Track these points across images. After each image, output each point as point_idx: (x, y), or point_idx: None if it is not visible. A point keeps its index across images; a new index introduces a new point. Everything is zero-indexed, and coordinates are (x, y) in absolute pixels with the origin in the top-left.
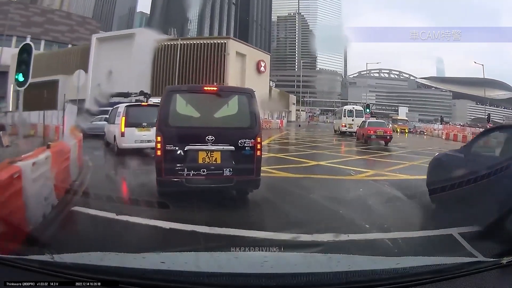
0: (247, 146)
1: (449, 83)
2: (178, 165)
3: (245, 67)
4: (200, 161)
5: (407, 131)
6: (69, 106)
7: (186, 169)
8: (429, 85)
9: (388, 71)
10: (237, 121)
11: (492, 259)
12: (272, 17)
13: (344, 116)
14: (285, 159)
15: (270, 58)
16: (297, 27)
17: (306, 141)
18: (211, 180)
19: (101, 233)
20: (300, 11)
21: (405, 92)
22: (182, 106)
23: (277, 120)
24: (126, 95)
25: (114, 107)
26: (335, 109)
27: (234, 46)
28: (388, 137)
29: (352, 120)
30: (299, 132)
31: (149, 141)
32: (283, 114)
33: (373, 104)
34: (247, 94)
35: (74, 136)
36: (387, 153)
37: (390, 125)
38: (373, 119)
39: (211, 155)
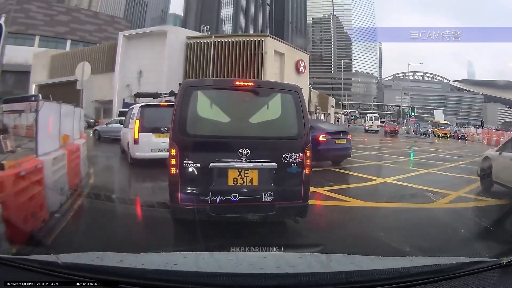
0: (293, 162)
1: (481, 86)
2: (199, 188)
3: (284, 67)
4: (231, 182)
5: (448, 135)
6: (47, 105)
7: (211, 193)
8: (461, 88)
9: (422, 74)
10: (280, 129)
11: (492, 259)
12: (307, 19)
13: (368, 120)
14: (341, 173)
15: (309, 58)
16: (332, 29)
17: (356, 148)
18: (245, 208)
19: None
20: (334, 13)
21: (439, 95)
22: (206, 108)
23: None
24: (155, 95)
25: (130, 108)
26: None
27: (272, 44)
28: (396, 132)
29: (372, 123)
30: None
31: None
32: (322, 117)
33: (408, 107)
34: (293, 92)
35: (63, 145)
36: (451, 165)
37: (431, 129)
38: (391, 122)
39: (246, 175)
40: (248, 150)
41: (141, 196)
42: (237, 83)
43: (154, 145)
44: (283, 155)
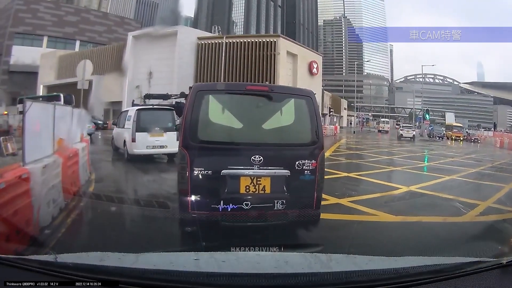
0: (306, 169)
1: (490, 88)
2: (210, 195)
3: (297, 68)
4: (243, 190)
5: (462, 138)
6: (38, 106)
7: (222, 201)
8: (472, 90)
9: (433, 76)
10: (294, 135)
11: (492, 259)
12: (318, 21)
13: (381, 123)
14: (362, 181)
15: (322, 60)
16: (343, 30)
17: (372, 152)
18: (257, 217)
19: None
20: (345, 14)
21: (450, 97)
22: (217, 113)
23: (331, 126)
24: (165, 97)
25: (124, 110)
26: (381, 118)
27: (284, 45)
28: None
29: (384, 125)
30: (358, 140)
31: (161, 146)
32: (335, 120)
33: (420, 109)
34: (307, 97)
35: (61, 151)
36: (472, 170)
37: (444, 132)
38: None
39: (258, 183)
40: (261, 157)
41: (142, 201)
42: (250, 87)
43: (149, 142)
44: (296, 162)
